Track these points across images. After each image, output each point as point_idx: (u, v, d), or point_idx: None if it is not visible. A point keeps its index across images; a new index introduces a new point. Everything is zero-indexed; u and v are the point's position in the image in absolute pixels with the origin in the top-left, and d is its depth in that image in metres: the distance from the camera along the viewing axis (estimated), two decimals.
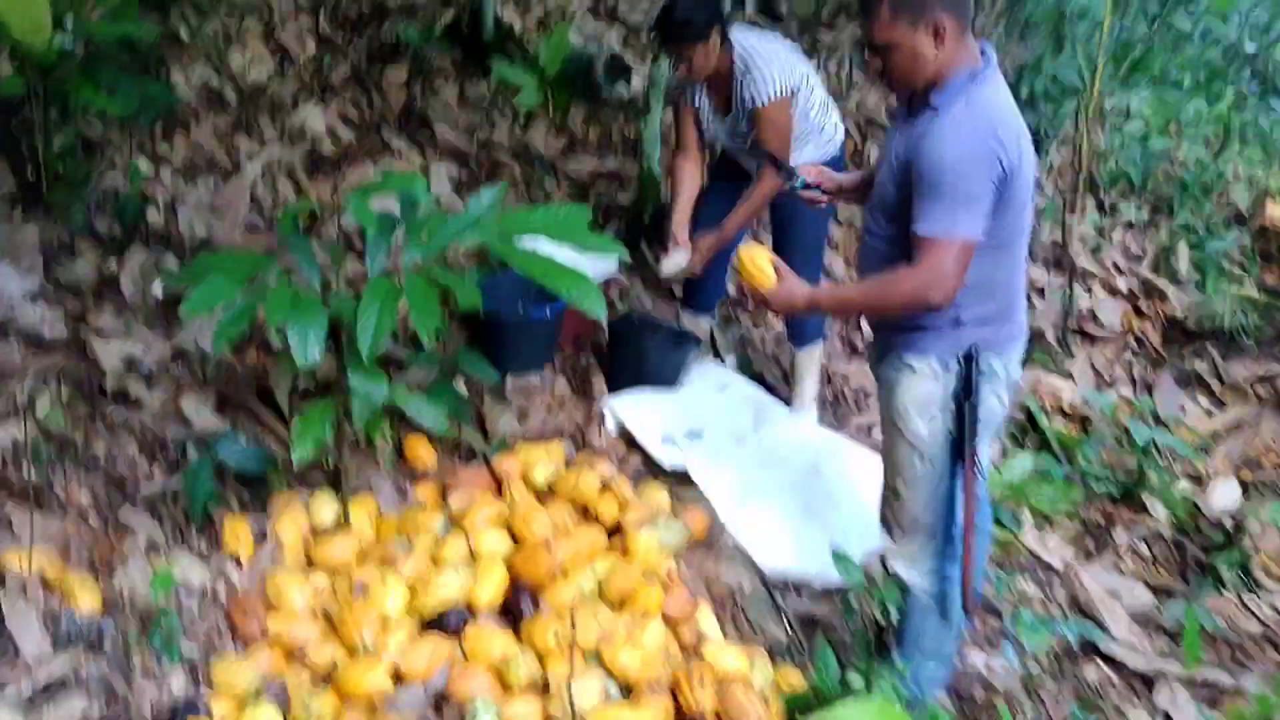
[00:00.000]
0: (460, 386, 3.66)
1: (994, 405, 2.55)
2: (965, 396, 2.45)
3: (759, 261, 2.55)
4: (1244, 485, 3.94)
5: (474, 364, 3.32)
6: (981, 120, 2.28)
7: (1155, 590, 3.55)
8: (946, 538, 2.62)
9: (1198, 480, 4.07)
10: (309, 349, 2.52)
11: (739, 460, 3.62)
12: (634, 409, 3.61)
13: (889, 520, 2.72)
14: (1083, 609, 3.41)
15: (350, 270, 3.73)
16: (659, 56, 4.65)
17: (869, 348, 2.80)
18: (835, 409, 4.26)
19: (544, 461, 3.18)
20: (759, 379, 4.26)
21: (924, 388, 2.50)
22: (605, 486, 3.14)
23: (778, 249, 3.84)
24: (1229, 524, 3.71)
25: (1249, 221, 5.60)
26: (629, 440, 3.59)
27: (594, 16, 6.51)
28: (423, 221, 2.78)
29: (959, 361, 2.46)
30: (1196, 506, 3.83)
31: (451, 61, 5.45)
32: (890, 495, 2.68)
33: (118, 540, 2.77)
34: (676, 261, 3.66)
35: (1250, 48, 7.47)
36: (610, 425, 3.60)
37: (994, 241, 2.34)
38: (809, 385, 4.03)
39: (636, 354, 3.78)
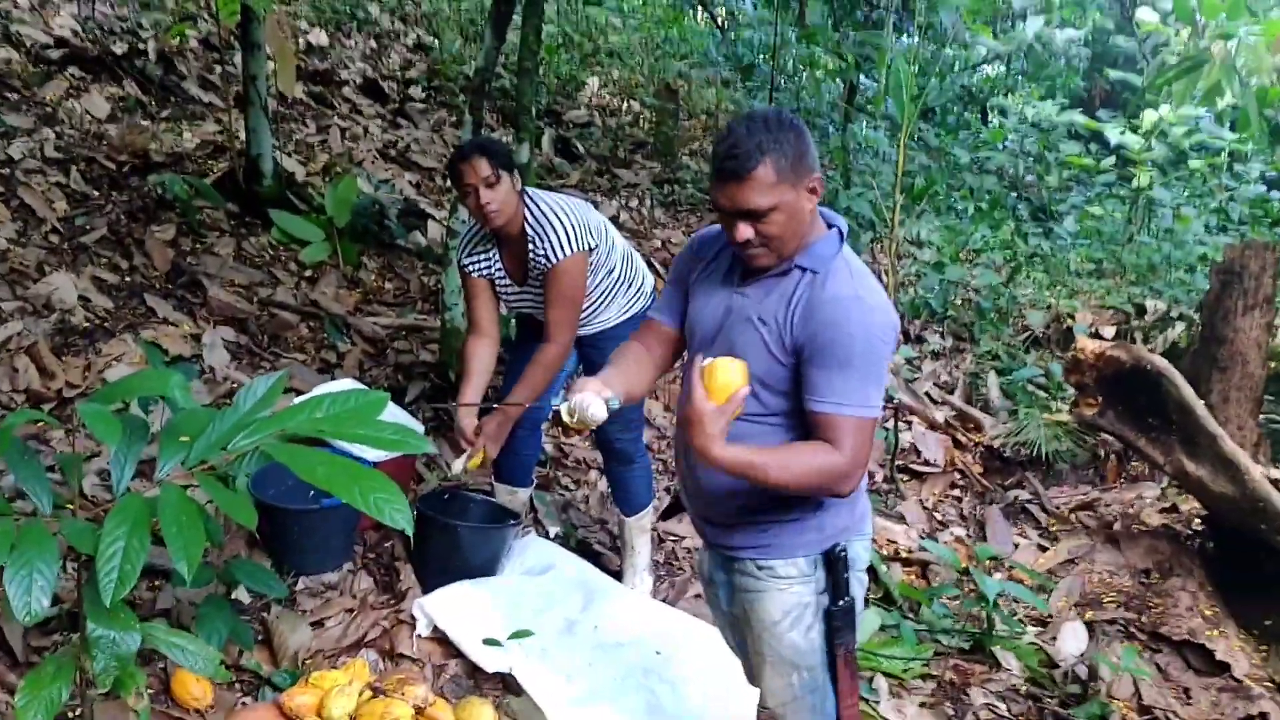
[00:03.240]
0: (241, 593, 3.15)
1: (859, 593, 2.28)
2: (835, 599, 2.16)
3: (732, 374, 2.06)
4: (1089, 626, 3.83)
5: (254, 576, 2.82)
6: (878, 291, 2.07)
7: None
8: None
9: (1042, 623, 3.94)
10: (34, 598, 1.99)
11: (569, 653, 3.22)
12: (450, 608, 3.17)
13: None
14: None
15: (94, 486, 3.17)
16: (457, 204, 4.35)
17: (703, 551, 2.43)
18: (671, 574, 3.94)
19: (343, 691, 2.69)
20: (585, 549, 3.91)
21: (793, 595, 2.19)
22: (420, 714, 2.68)
23: None
24: (1083, 672, 3.56)
25: (1048, 344, 5.72)
26: (445, 641, 3.14)
27: (383, 160, 6.19)
28: (181, 423, 2.31)
29: (823, 558, 2.18)
30: (1047, 654, 3.68)
31: (226, 215, 4.99)
32: None
33: None
34: (468, 457, 3.26)
35: (1028, 177, 7.89)
36: (423, 628, 3.14)
37: None
38: (642, 554, 3.70)
39: (448, 539, 3.35)
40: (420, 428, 3.76)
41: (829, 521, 2.17)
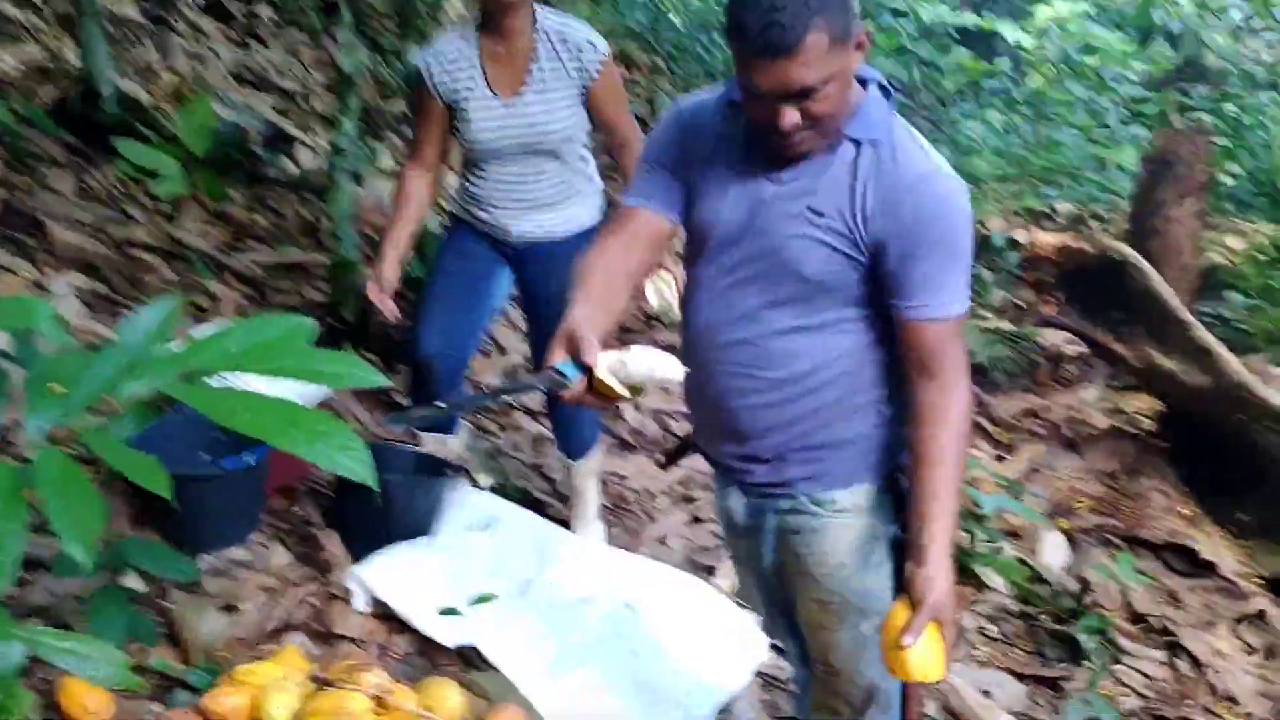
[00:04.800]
0: (134, 580, 2.60)
1: None
2: (905, 527, 1.79)
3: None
4: (1067, 536, 3.62)
5: (153, 557, 2.30)
6: (943, 159, 1.69)
7: (1022, 678, 3.09)
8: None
9: (1014, 535, 3.71)
10: None
11: (532, 618, 2.80)
12: (391, 576, 2.69)
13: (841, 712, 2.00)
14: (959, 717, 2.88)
15: None
16: (344, 117, 3.79)
17: (731, 497, 1.96)
18: (621, 519, 3.54)
19: (280, 686, 2.19)
20: (526, 499, 3.46)
21: (860, 529, 1.82)
22: (380, 704, 2.22)
23: (537, 339, 3.10)
24: (1073, 585, 3.34)
25: (999, 251, 5.47)
26: (388, 616, 2.67)
27: (238, 84, 5.49)
28: (49, 370, 1.77)
29: (889, 482, 1.81)
30: (1031, 569, 3.45)
31: (62, 146, 4.27)
32: (848, 688, 1.96)
33: None
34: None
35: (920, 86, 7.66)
36: (360, 602, 2.66)
37: None
38: (591, 501, 3.28)
39: (376, 497, 2.85)
40: None
41: (892, 437, 1.80)
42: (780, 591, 2.00)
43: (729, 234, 1.76)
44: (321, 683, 2.24)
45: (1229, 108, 6.81)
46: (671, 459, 2.11)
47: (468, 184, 2.94)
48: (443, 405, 1.52)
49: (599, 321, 1.62)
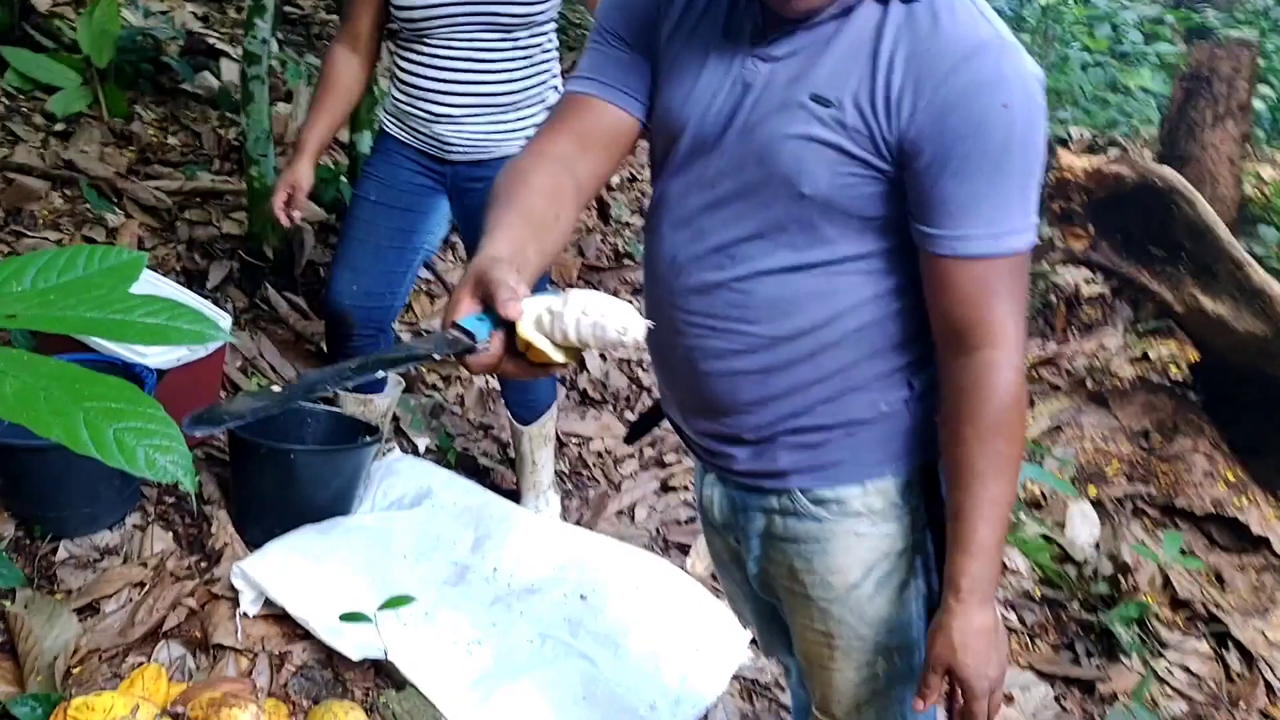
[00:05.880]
0: None
1: None
2: (938, 536, 1.30)
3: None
4: (1096, 506, 3.14)
5: None
6: (1005, 25, 1.17)
7: (1049, 679, 2.63)
8: None
9: (1035, 505, 3.23)
10: None
11: (463, 613, 2.31)
12: (286, 571, 2.19)
13: None
14: None
15: None
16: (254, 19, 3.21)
17: (707, 483, 1.46)
18: (580, 488, 3.05)
19: None
20: (468, 465, 2.97)
21: (879, 538, 1.31)
22: None
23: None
24: (1106, 568, 2.86)
25: None
26: (284, 619, 2.18)
27: None
28: None
29: (922, 475, 1.31)
30: (1058, 546, 2.98)
31: None
32: None
33: None
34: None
35: None
36: (249, 603, 2.16)
37: None
38: (545, 469, 2.77)
39: (279, 471, 2.35)
40: (227, 320, 2.71)
41: (924, 414, 1.30)
42: (768, 609, 1.51)
43: (703, 135, 1.24)
44: (177, 719, 1.75)
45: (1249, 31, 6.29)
46: (636, 431, 1.58)
47: (398, 74, 2.41)
48: (270, 393, 0.97)
49: (527, 258, 1.08)
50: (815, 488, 1.30)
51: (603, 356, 3.55)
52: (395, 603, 2.02)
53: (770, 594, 1.43)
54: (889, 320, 1.26)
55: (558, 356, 1.01)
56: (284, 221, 2.44)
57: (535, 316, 1.01)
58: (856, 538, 1.30)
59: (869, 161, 1.16)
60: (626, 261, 4.28)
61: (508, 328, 1.00)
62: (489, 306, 0.99)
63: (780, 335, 1.24)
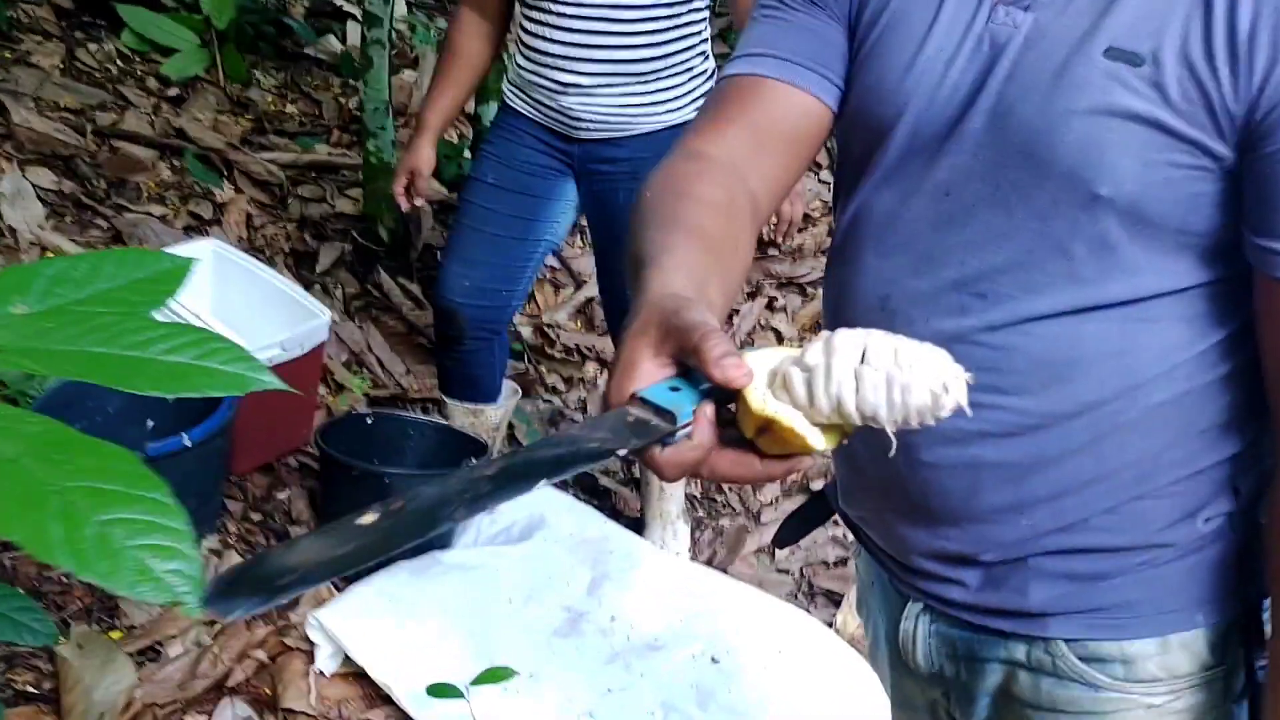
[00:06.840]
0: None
1: None
2: (1254, 697, 0.89)
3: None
4: None
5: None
6: None
7: None
8: None
9: None
10: None
11: (574, 673, 1.98)
12: (368, 624, 1.88)
13: None
14: None
15: None
16: None
17: (914, 614, 1.00)
18: (714, 516, 2.68)
19: None
20: (587, 487, 2.63)
21: (1178, 712, 0.91)
22: None
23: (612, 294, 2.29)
24: None
25: None
26: (364, 678, 1.87)
27: None
28: None
29: (1244, 621, 0.90)
30: None
31: (55, 12, 3.53)
32: None
33: None
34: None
35: None
36: (325, 659, 1.86)
37: None
38: (675, 494, 2.42)
39: (372, 495, 2.03)
40: (326, 315, 2.41)
41: (1253, 532, 0.88)
42: None
43: (930, 121, 0.86)
44: None
45: None
46: (791, 534, 1.16)
47: (522, 37, 2.11)
48: (355, 529, 0.56)
49: (711, 300, 0.71)
50: (1090, 638, 0.89)
51: None
52: (493, 675, 1.69)
53: None
54: (1211, 391, 0.86)
55: (817, 441, 0.62)
56: (405, 207, 2.29)
57: (771, 378, 0.63)
58: (1146, 712, 0.89)
59: (1202, 144, 0.78)
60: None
61: (720, 399, 0.63)
62: (687, 368, 0.63)
63: (1052, 412, 0.85)
